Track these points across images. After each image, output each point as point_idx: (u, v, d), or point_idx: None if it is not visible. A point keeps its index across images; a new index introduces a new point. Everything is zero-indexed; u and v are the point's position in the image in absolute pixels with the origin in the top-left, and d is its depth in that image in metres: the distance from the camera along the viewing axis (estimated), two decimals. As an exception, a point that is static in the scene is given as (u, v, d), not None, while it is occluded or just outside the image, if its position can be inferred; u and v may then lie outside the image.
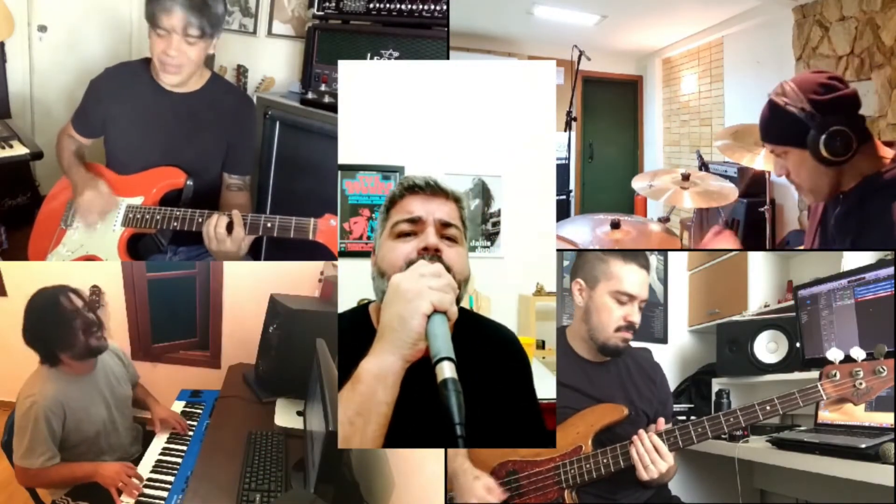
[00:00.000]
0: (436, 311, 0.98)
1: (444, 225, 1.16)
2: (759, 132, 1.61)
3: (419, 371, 1.00)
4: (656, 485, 1.65)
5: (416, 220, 1.16)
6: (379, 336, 1.01)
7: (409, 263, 1.11)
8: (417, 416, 1.00)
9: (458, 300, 1.11)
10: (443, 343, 0.94)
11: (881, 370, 1.46)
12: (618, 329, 1.74)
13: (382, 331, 1.01)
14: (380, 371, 0.98)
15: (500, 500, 1.62)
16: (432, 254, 1.12)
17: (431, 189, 1.18)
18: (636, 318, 1.76)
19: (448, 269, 1.10)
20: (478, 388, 1.08)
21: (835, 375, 1.50)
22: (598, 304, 1.76)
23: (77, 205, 2.11)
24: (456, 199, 1.20)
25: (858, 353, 1.49)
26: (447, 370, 0.91)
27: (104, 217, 2.12)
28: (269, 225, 1.96)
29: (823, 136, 1.46)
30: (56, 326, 2.04)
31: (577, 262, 1.85)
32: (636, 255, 1.77)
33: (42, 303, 2.06)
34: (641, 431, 1.62)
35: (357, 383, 0.99)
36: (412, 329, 0.97)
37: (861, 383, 1.47)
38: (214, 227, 1.96)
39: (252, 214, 1.99)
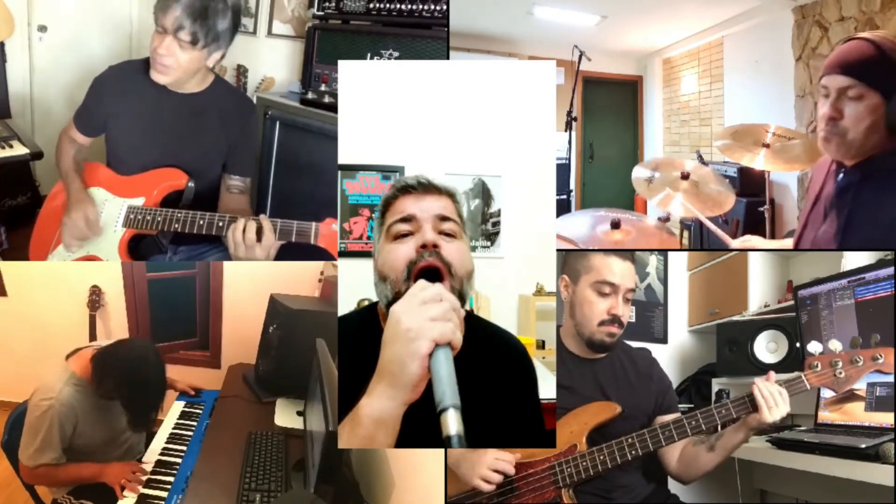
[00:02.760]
0: (438, 346, 0.92)
1: (441, 219, 1.15)
2: (832, 66, 1.48)
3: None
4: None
5: (410, 219, 1.14)
6: (378, 376, 0.97)
7: (410, 263, 1.10)
8: (418, 416, 1.00)
9: (462, 299, 1.11)
10: (447, 387, 0.87)
11: (857, 360, 1.55)
12: (602, 323, 1.73)
13: (381, 371, 0.96)
14: (380, 416, 0.95)
15: (511, 462, 1.60)
16: (431, 250, 1.11)
17: (423, 187, 1.17)
18: (621, 310, 1.73)
19: (449, 267, 1.10)
20: (482, 395, 1.08)
21: (816, 366, 1.57)
22: (580, 298, 1.76)
23: (63, 222, 2.10)
24: (450, 195, 1.19)
25: (836, 345, 1.57)
26: (452, 424, 0.84)
27: (81, 245, 2.11)
28: None
29: None
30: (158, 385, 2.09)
31: (564, 260, 1.84)
32: (619, 250, 1.75)
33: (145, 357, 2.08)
34: (757, 379, 1.56)
35: (357, 426, 0.96)
36: (412, 373, 0.92)
37: (840, 372, 1.56)
38: (243, 232, 1.91)
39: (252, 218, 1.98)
